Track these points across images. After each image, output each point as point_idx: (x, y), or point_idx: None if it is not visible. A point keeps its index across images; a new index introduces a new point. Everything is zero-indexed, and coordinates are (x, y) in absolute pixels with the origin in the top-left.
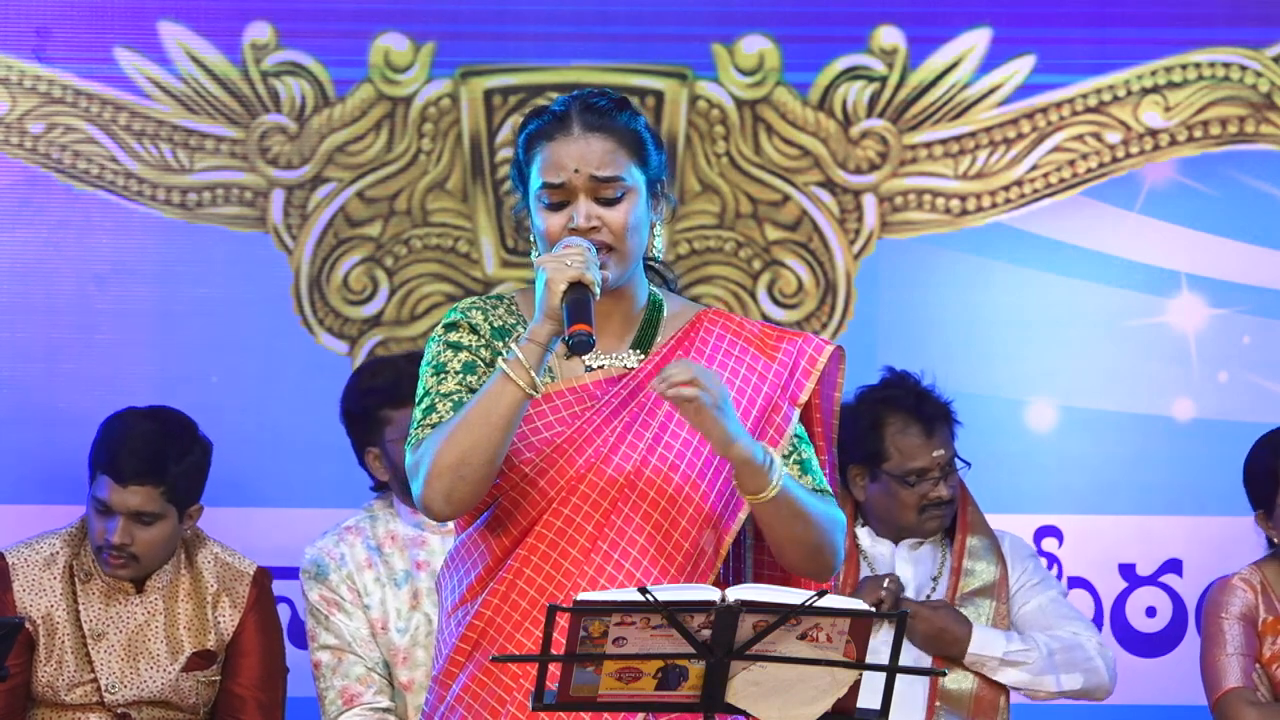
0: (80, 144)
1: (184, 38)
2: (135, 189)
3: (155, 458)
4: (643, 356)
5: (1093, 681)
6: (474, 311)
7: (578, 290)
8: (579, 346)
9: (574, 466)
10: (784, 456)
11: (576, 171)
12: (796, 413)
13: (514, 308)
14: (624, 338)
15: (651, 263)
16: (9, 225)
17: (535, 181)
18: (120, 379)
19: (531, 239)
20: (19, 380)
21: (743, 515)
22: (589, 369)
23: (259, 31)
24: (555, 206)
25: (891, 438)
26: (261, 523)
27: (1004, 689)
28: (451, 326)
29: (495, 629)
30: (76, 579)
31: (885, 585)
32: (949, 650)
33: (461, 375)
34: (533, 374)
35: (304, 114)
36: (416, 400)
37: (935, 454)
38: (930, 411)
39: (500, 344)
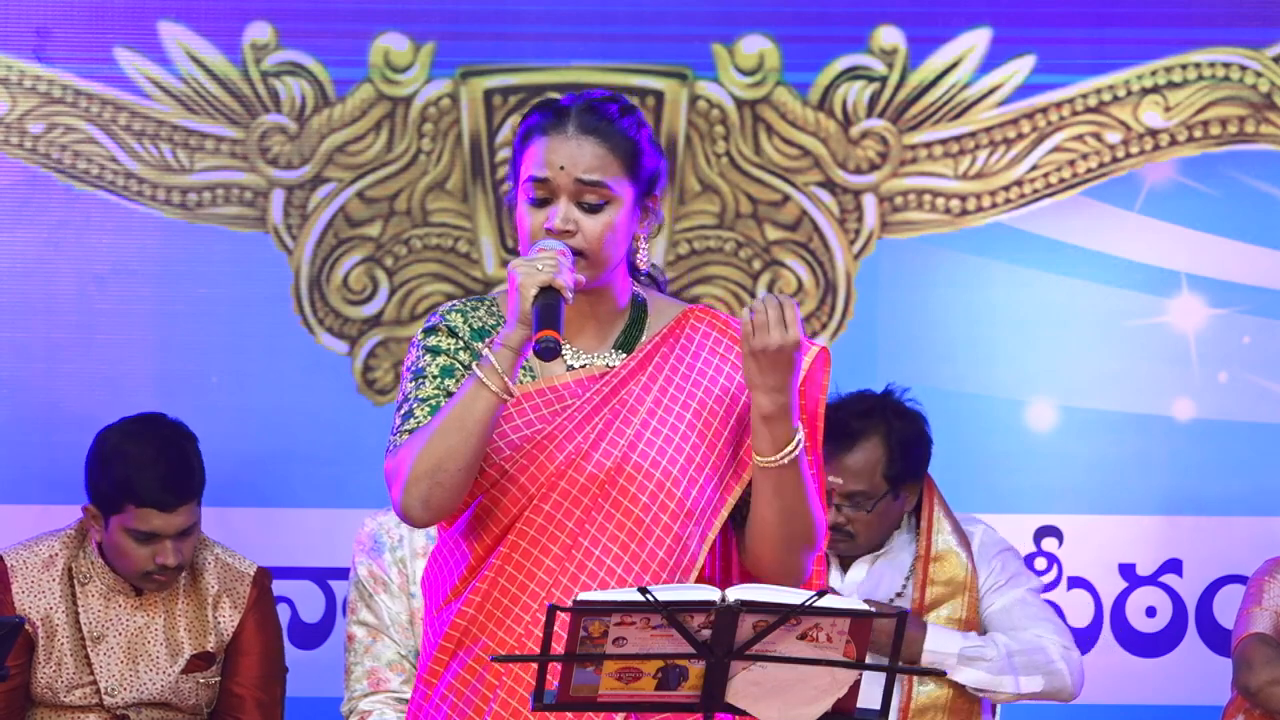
0: (80, 144)
1: (184, 38)
2: (135, 189)
3: (188, 475)
4: (625, 355)
5: (1054, 684)
6: (453, 314)
7: (548, 295)
8: (546, 353)
9: (554, 463)
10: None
11: (562, 169)
12: None
13: (494, 308)
14: (606, 338)
15: (639, 272)
16: (9, 225)
17: (524, 174)
18: (120, 379)
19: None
20: (19, 380)
21: (725, 512)
22: (570, 368)
23: (259, 31)
24: (538, 203)
25: None
26: (261, 523)
27: (978, 698)
28: (430, 331)
29: (478, 627)
30: (75, 581)
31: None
32: (905, 652)
33: (439, 379)
34: (505, 378)
35: (304, 114)
36: (396, 406)
37: (829, 478)
38: (838, 439)
39: (481, 345)
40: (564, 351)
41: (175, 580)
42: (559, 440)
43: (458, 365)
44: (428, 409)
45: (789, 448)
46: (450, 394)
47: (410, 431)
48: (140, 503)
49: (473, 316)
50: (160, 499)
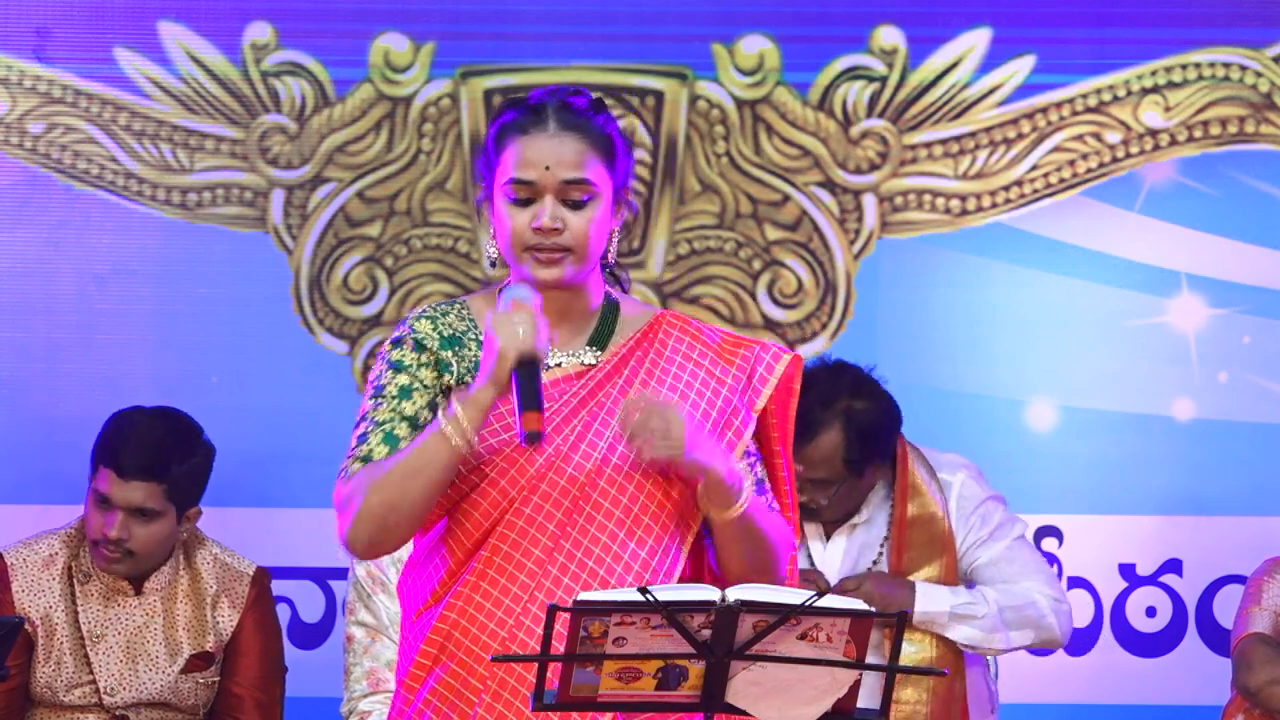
0: (80, 144)
1: (184, 38)
2: (135, 189)
3: (159, 455)
4: (599, 353)
5: (1044, 636)
6: (422, 322)
7: (528, 365)
8: (531, 440)
9: (534, 466)
10: None
11: (547, 169)
12: (754, 420)
13: (465, 311)
14: (580, 336)
15: (608, 268)
16: (9, 225)
17: (504, 175)
18: (120, 379)
19: (490, 232)
20: (19, 380)
21: (701, 515)
22: (547, 367)
23: (259, 31)
24: (521, 203)
25: None
26: (261, 523)
27: (961, 681)
28: (396, 343)
29: (461, 631)
30: (75, 580)
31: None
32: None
33: (397, 400)
34: (471, 435)
35: (304, 114)
36: (355, 422)
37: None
38: (799, 428)
39: (451, 354)
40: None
41: (128, 566)
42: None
43: (417, 385)
44: (381, 435)
45: (743, 496)
46: (405, 417)
47: (364, 459)
48: (105, 462)
49: (443, 323)
50: (119, 463)
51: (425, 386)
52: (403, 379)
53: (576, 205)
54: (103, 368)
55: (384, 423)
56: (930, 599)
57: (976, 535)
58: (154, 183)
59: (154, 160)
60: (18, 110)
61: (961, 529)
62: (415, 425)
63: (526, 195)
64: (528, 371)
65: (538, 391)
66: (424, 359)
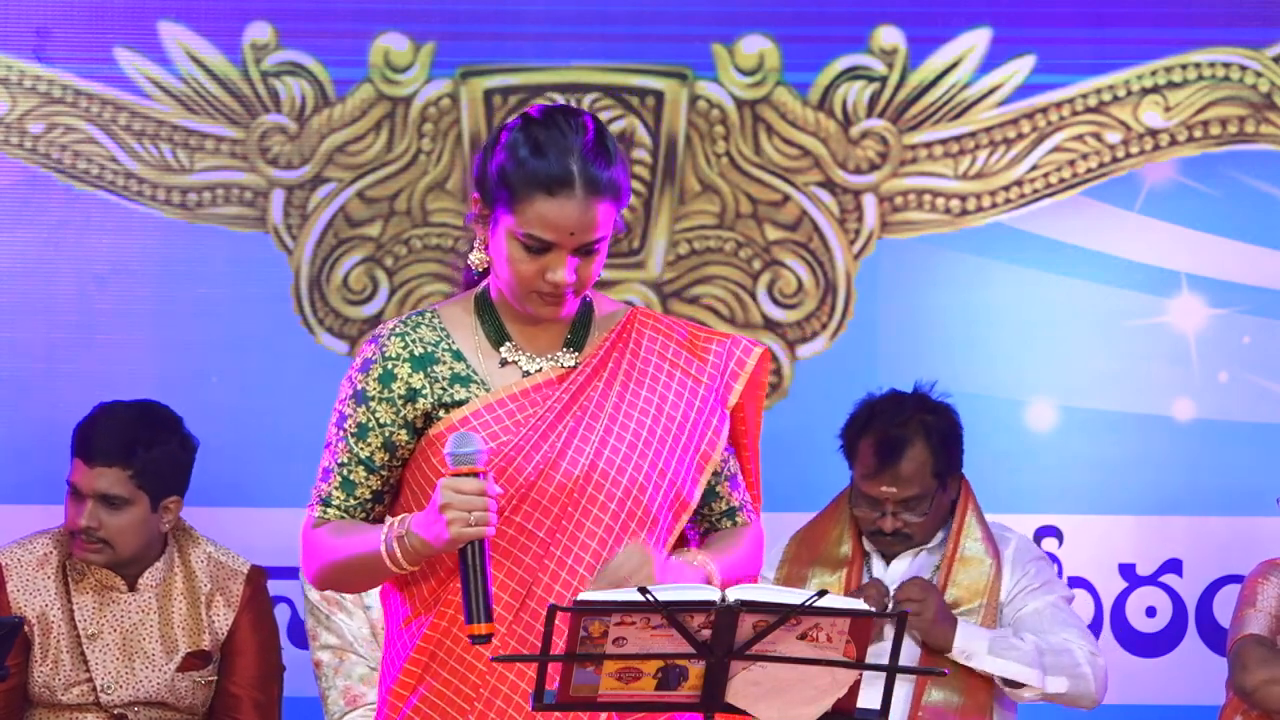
0: (80, 144)
1: (184, 38)
2: (135, 189)
3: (125, 440)
4: (577, 354)
5: (1079, 688)
6: (393, 341)
7: (476, 547)
8: (478, 641)
9: (522, 475)
10: (714, 472)
11: (572, 235)
12: (729, 417)
13: (437, 321)
14: (557, 338)
15: None
16: (9, 225)
17: (521, 225)
18: (120, 379)
19: (482, 247)
20: (19, 380)
21: (685, 517)
22: (526, 373)
23: (259, 31)
24: (534, 251)
25: (861, 450)
26: (261, 523)
27: (989, 691)
28: (364, 368)
29: (452, 640)
30: (70, 578)
31: (868, 594)
32: (936, 642)
33: (356, 440)
34: (408, 569)
35: (304, 114)
36: (325, 441)
37: (882, 489)
38: (884, 451)
39: (422, 377)
40: (518, 357)
41: (106, 557)
42: (526, 451)
43: (373, 425)
44: (339, 479)
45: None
46: (361, 461)
47: (324, 501)
48: (75, 453)
49: (413, 339)
50: (84, 450)
51: (380, 425)
52: (361, 415)
53: (590, 253)
54: (103, 368)
55: (343, 465)
56: (969, 633)
57: (1028, 582)
58: (154, 183)
59: (154, 160)
60: (18, 110)
61: (1015, 574)
62: (371, 468)
63: (541, 248)
64: (476, 563)
65: (486, 587)
66: (386, 393)
